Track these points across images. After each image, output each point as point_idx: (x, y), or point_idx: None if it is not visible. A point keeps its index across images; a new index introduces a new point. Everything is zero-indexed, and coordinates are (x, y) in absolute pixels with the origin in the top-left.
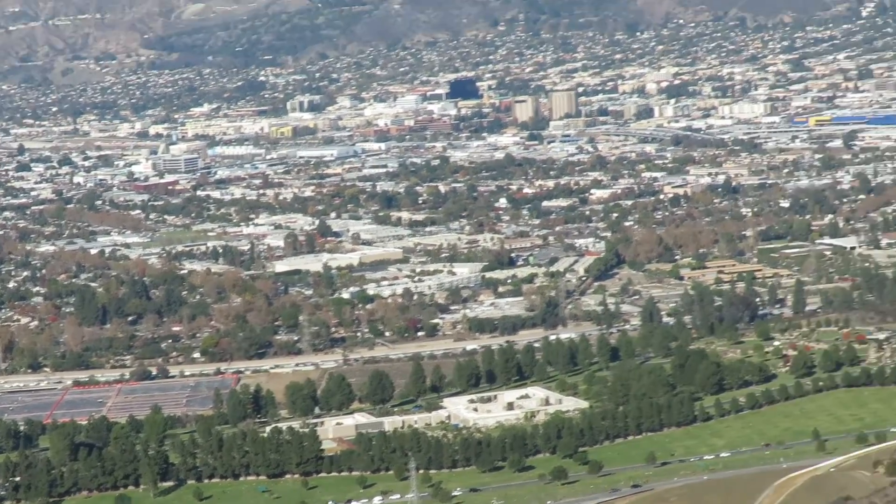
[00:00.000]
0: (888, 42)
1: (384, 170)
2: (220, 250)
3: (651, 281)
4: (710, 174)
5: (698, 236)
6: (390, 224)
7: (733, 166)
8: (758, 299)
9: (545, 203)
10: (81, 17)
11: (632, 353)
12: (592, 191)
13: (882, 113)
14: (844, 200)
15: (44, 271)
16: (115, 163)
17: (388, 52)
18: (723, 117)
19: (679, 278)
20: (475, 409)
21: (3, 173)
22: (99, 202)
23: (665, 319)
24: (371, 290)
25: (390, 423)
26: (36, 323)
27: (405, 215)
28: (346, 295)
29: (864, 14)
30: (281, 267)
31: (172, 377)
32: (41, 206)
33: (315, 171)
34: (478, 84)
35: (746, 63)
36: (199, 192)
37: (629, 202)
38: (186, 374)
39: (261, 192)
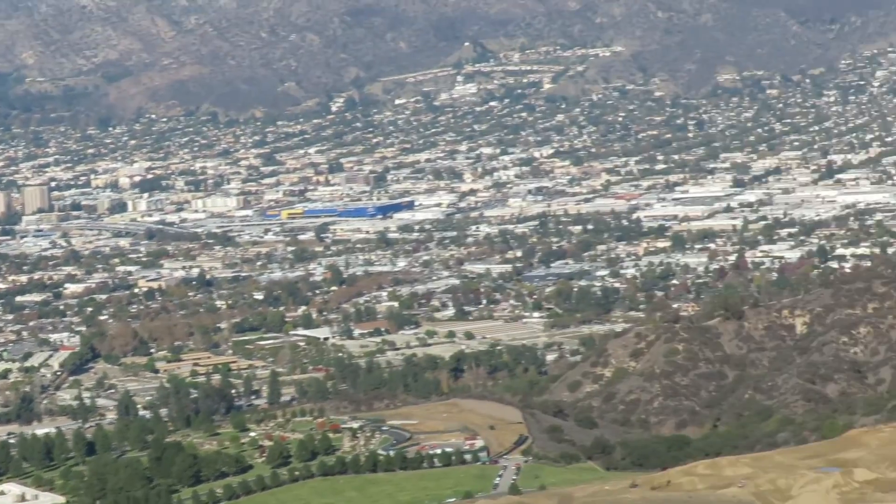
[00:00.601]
0: (357, 136)
1: None
2: None
3: (127, 374)
4: (184, 268)
5: (173, 329)
6: None
7: (207, 259)
8: (233, 391)
9: (18, 298)
10: None
11: (108, 446)
12: (67, 285)
13: (353, 205)
14: (317, 292)
15: None
16: None
17: None
18: (196, 211)
19: (155, 371)
20: None
21: None
22: None
23: (141, 412)
24: None
25: None
26: None
27: None
28: None
29: (333, 109)
30: None
31: None
32: None
33: None
34: None
35: (219, 157)
36: None
37: (104, 296)
38: None
39: None
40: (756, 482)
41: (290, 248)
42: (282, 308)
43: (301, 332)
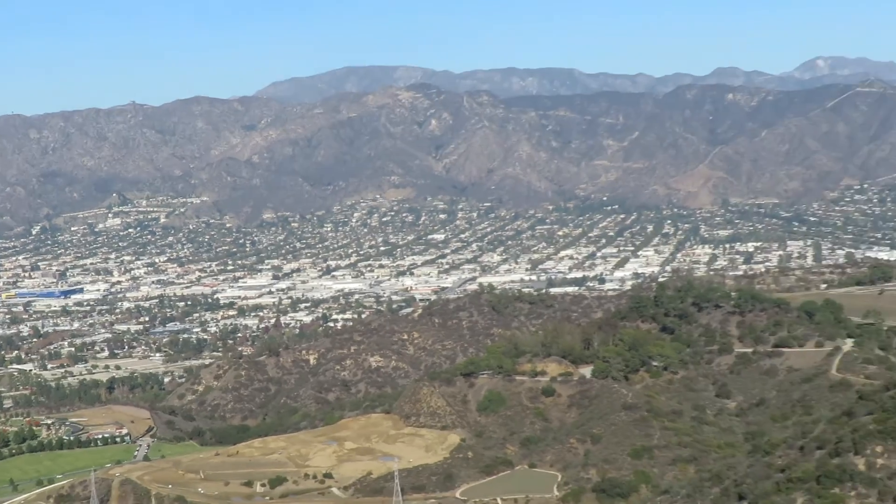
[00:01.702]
0: (48, 249)
1: None
2: None
3: None
4: None
5: None
6: None
7: None
8: None
9: None
10: None
11: None
12: None
13: (46, 290)
14: (24, 342)
15: None
16: None
17: None
18: None
19: None
20: None
21: None
22: None
23: None
24: None
25: None
26: None
27: None
28: None
29: (33, 233)
30: None
31: None
32: None
33: None
34: None
35: None
36: None
37: None
38: None
39: None
40: (288, 451)
41: (7, 316)
42: (3, 352)
43: (15, 366)
